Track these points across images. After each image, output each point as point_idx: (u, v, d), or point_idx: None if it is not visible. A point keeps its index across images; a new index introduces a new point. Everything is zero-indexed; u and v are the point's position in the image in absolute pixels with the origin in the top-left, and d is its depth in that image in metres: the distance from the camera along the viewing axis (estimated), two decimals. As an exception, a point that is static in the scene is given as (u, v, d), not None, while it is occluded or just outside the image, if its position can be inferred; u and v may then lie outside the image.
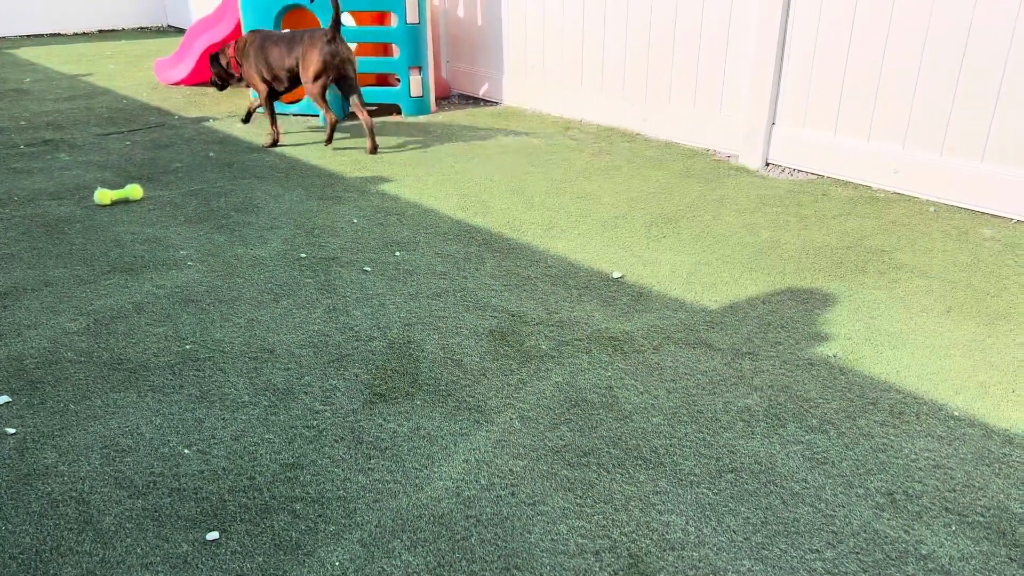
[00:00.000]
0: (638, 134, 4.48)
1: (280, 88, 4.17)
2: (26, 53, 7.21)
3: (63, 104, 5.24)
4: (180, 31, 8.70)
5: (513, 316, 2.42)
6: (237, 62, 4.16)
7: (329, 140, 4.25)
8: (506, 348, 2.23)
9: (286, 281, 2.66)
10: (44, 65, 6.63)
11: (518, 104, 5.25)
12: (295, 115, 5.05)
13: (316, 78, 3.98)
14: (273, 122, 4.28)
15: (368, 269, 2.75)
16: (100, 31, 8.46)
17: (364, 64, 4.92)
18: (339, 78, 4.05)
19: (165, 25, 8.94)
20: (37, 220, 3.22)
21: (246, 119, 4.45)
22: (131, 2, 8.69)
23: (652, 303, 2.49)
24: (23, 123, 4.76)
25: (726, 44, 3.93)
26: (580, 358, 2.17)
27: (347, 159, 4.09)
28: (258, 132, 4.59)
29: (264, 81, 4.13)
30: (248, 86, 4.54)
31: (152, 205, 3.40)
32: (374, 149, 4.17)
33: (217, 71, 4.26)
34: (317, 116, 4.93)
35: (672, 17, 4.14)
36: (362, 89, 4.75)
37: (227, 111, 5.13)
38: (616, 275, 2.69)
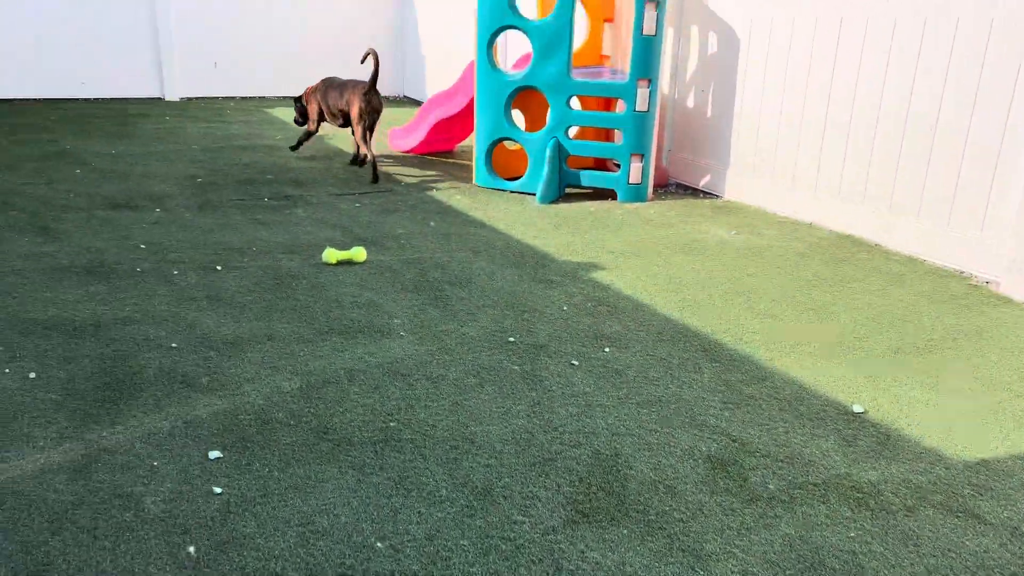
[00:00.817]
0: (877, 245, 4.08)
1: (335, 123, 5.39)
2: (280, 113, 7.96)
3: (305, 163, 5.66)
4: (414, 102, 9.29)
5: (735, 442, 2.16)
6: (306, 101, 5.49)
7: (373, 178, 5.20)
8: (727, 480, 1.98)
9: (492, 365, 2.58)
10: (294, 125, 7.27)
11: (741, 199, 5.00)
12: (512, 192, 5.12)
13: (359, 119, 5.15)
14: (298, 146, 5.69)
15: (576, 363, 2.61)
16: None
17: (585, 148, 4.91)
18: (371, 124, 5.23)
19: (402, 95, 9.60)
20: (269, 272, 3.40)
21: (360, 163, 5.57)
22: (375, 73, 9.43)
23: (902, 450, 2.14)
24: (270, 177, 5.17)
25: (997, 155, 3.49)
26: (815, 508, 1.87)
27: (559, 241, 4.04)
28: (473, 205, 4.69)
29: (318, 118, 5.49)
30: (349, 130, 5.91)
31: (373, 269, 3.50)
32: (374, 180, 5.18)
33: (298, 108, 5.57)
34: (534, 194, 4.97)
35: (933, 119, 3.76)
36: (580, 172, 4.94)
37: (449, 183, 5.30)
38: (857, 409, 2.36)
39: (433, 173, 5.51)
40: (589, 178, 5.00)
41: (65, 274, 3.26)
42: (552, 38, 4.80)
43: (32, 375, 2.39)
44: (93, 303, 2.97)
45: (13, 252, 3.51)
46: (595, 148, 4.93)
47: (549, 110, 4.95)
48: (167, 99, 8.33)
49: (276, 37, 8.75)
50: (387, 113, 8.23)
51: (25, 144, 5.82)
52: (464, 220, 4.37)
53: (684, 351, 2.73)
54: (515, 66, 5.71)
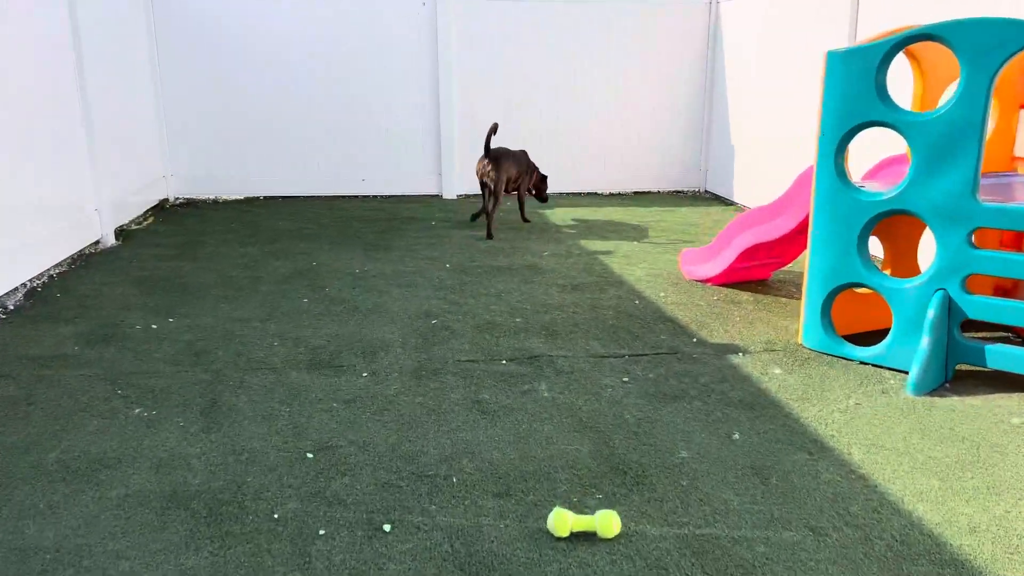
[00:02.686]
0: None
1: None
2: (561, 215, 6.89)
3: (568, 295, 4.40)
4: (718, 199, 7.77)
5: None
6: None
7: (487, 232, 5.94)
8: None
9: None
10: (569, 232, 6.12)
11: None
12: (862, 362, 3.39)
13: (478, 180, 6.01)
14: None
15: None
16: (635, 192, 8.00)
17: (1000, 310, 3.05)
18: (483, 184, 5.97)
19: (703, 190, 8.14)
20: (465, 540, 2.08)
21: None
22: (668, 165, 8.09)
23: None
24: (519, 320, 3.97)
25: None
26: None
27: (978, 506, 2.25)
28: (802, 391, 3.04)
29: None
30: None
31: (631, 550, 2.03)
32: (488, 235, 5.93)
33: None
34: (900, 371, 3.20)
35: None
36: (985, 346, 3.11)
37: (763, 339, 3.69)
38: None
39: (738, 318, 3.94)
40: (1001, 357, 3.10)
41: (172, 510, 2.23)
42: (946, 140, 3.06)
43: None
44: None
45: (158, 447, 2.60)
46: (1019, 311, 3.04)
47: (936, 246, 3.17)
48: (444, 196, 7.71)
49: (571, 129, 7.81)
50: (684, 214, 6.80)
51: (279, 257, 5.28)
52: (790, 429, 2.75)
53: None
54: (868, 175, 3.98)
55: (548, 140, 7.84)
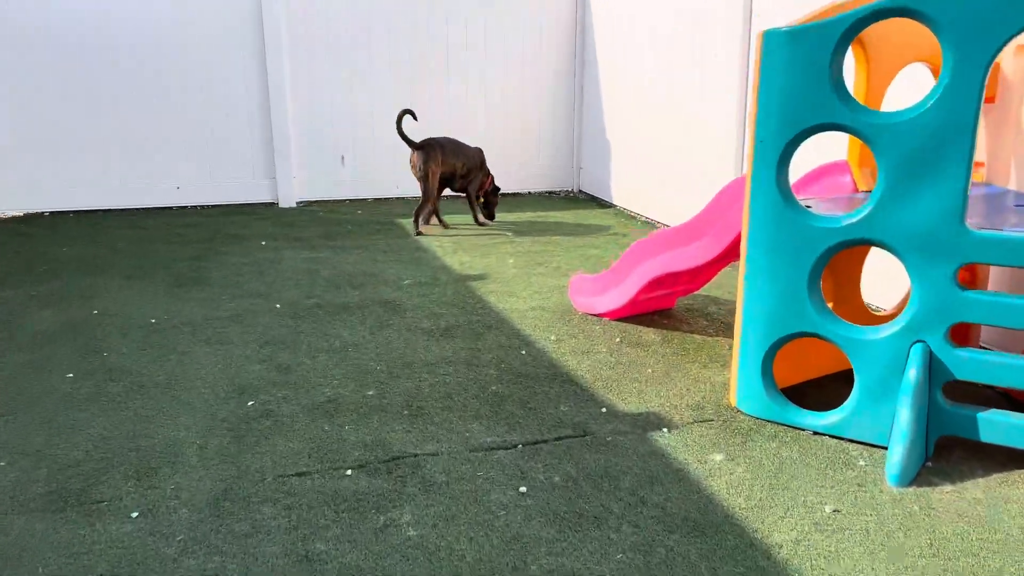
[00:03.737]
0: None
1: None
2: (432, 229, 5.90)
3: (437, 346, 3.43)
4: (594, 200, 7.01)
5: None
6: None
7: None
8: None
9: None
10: (430, 249, 5.13)
11: None
12: (816, 433, 2.64)
13: None
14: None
15: None
16: (502, 194, 7.10)
17: (1004, 369, 2.35)
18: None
19: (577, 190, 7.36)
20: None
21: None
22: (537, 163, 7.26)
23: None
24: (371, 393, 2.96)
25: None
26: None
27: None
28: (749, 491, 2.23)
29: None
30: None
31: None
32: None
33: None
34: (868, 444, 2.46)
35: None
36: (977, 413, 2.30)
37: (688, 403, 2.88)
38: None
39: (650, 370, 3.12)
40: (999, 427, 2.41)
41: None
42: (926, 148, 2.33)
43: None
44: None
45: None
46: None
47: (913, 287, 2.45)
48: (281, 205, 6.51)
49: (423, 119, 6.79)
50: (559, 218, 5.97)
51: (49, 302, 3.99)
52: (765, 573, 1.93)
53: None
54: (795, 189, 3.24)
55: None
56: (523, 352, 3.34)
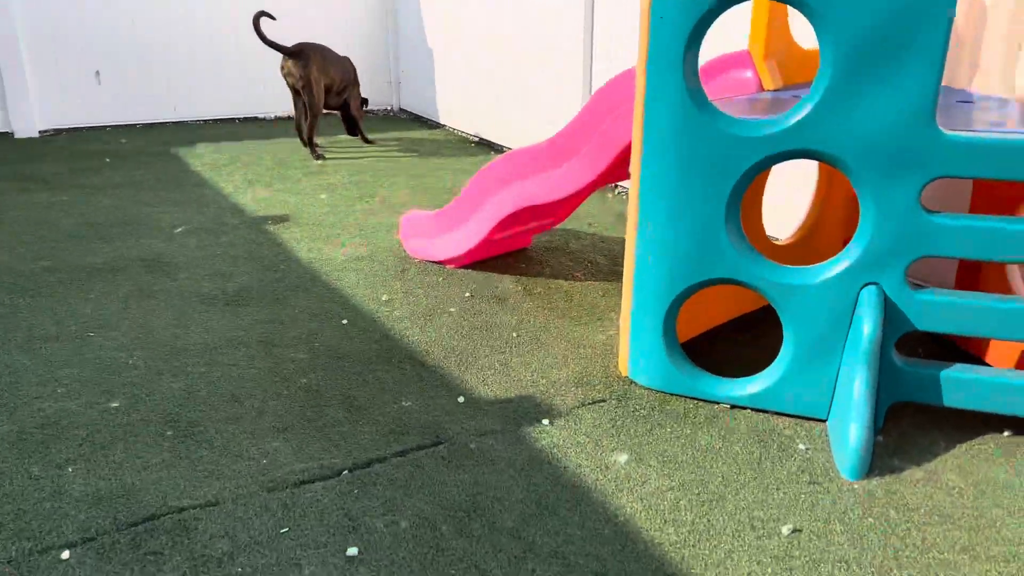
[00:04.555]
0: None
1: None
2: (202, 155, 4.75)
3: (219, 321, 2.49)
4: (418, 119, 6.09)
5: None
6: None
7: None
8: None
9: None
10: (216, 184, 4.08)
11: None
12: (734, 407, 2.03)
13: None
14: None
15: None
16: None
17: (984, 314, 1.82)
18: (293, 90, 4.55)
19: (396, 109, 6.40)
20: None
21: None
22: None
23: None
24: (116, 404, 2.01)
25: None
26: None
27: None
28: (657, 503, 1.59)
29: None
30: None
31: None
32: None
33: None
34: (804, 417, 1.88)
35: None
36: (940, 372, 1.76)
37: (568, 377, 2.18)
38: None
39: (514, 332, 2.38)
40: (967, 391, 1.89)
41: None
42: (887, 25, 1.69)
43: None
44: None
45: None
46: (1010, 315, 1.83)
47: (864, 211, 1.84)
48: (18, 136, 5.07)
49: (193, 32, 5.50)
50: (377, 157, 5.04)
51: None
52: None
53: None
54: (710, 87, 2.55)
55: (159, 48, 5.49)
56: (344, 322, 2.49)
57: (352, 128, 5.04)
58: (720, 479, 1.76)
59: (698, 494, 1.71)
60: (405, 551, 1.52)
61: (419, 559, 1.50)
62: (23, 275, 2.81)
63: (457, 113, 5.53)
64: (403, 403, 2.04)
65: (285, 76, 4.53)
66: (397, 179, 4.25)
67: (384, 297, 2.68)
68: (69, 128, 5.29)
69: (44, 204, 3.65)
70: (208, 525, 1.57)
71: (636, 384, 2.16)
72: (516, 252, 3.13)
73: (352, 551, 1.51)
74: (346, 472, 1.75)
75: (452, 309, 2.60)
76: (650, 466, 1.81)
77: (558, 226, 3.46)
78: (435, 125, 5.82)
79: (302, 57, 4.46)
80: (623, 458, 1.84)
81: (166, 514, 1.60)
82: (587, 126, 2.33)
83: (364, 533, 1.56)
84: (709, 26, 1.84)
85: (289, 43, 4.50)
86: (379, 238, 3.26)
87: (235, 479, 1.72)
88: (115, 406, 1.98)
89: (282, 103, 5.84)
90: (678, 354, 2.11)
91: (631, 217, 2.06)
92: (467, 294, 2.72)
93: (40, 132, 5.16)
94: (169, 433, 1.88)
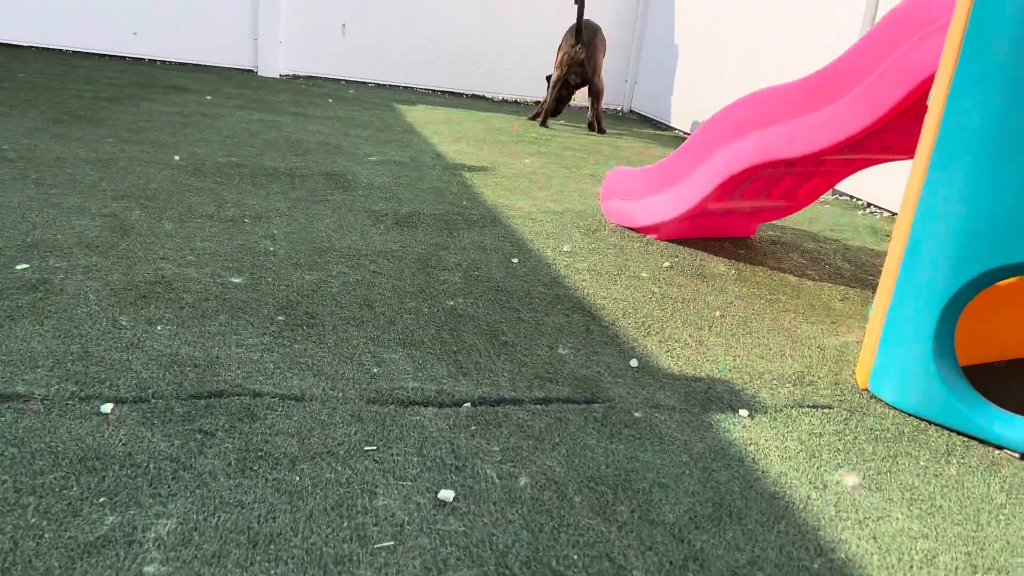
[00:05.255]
0: None
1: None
2: (420, 111, 4.62)
3: (380, 234, 2.19)
4: (648, 121, 5.67)
5: None
6: None
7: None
8: None
9: None
10: (424, 133, 3.88)
11: None
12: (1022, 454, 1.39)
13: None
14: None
15: None
16: (536, 102, 5.77)
17: None
18: (565, 81, 4.39)
19: (627, 110, 6.03)
20: None
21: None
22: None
23: None
24: (236, 282, 1.73)
25: None
26: None
27: None
28: None
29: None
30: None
31: None
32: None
33: None
34: None
35: None
36: None
37: (782, 373, 1.63)
38: None
39: (718, 312, 1.86)
40: None
41: None
42: None
43: None
44: None
45: None
46: None
47: None
48: (261, 74, 5.27)
49: (445, 8, 5.47)
50: (595, 141, 4.68)
51: None
52: None
53: None
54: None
55: (408, 18, 5.49)
56: (514, 260, 2.10)
57: (590, 112, 4.70)
58: (1004, 546, 1.15)
59: (968, 555, 1.11)
60: (516, 513, 1.07)
61: (532, 527, 1.04)
62: (209, 165, 2.70)
63: (695, 117, 5.05)
64: (559, 351, 1.59)
65: (570, 60, 4.33)
66: (614, 162, 3.84)
67: (566, 247, 2.26)
68: (309, 76, 5.43)
69: (257, 121, 3.63)
70: (280, 419, 1.22)
71: (878, 400, 1.57)
72: (734, 240, 2.60)
73: (446, 494, 1.09)
74: (468, 405, 1.34)
75: (644, 274, 2.12)
76: (891, 500, 1.23)
77: (791, 224, 2.88)
78: (665, 128, 5.37)
79: (594, 46, 4.38)
80: (851, 480, 1.27)
81: (238, 395, 1.27)
82: (870, 56, 1.77)
83: (468, 477, 1.13)
84: None
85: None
86: (574, 199, 2.86)
87: (334, 379, 1.36)
88: (236, 281, 1.71)
89: (507, 86, 5.67)
90: (952, 371, 1.50)
91: (915, 177, 1.49)
92: (666, 264, 2.23)
93: (281, 74, 5.33)
94: (280, 318, 1.57)
